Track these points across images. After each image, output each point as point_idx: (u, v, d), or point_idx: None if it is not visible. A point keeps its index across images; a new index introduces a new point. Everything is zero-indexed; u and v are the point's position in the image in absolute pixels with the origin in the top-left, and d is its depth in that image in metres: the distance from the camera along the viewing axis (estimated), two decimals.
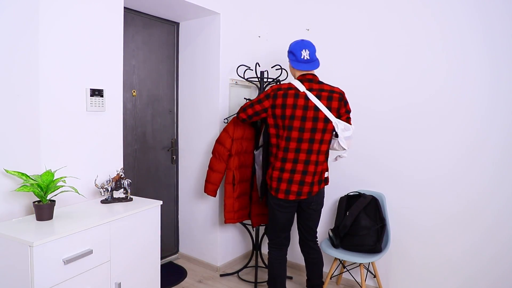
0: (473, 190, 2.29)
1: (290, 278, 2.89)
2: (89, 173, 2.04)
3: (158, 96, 3.04)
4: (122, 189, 2.06)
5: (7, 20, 1.64)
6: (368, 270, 2.61)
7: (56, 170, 1.78)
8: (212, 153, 2.76)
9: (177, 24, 3.13)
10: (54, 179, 1.69)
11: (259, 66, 2.86)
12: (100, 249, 1.69)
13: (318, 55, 2.20)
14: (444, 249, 2.41)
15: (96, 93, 2.03)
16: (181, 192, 3.25)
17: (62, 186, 1.72)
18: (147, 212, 1.97)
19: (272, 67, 2.89)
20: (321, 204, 2.27)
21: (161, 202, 2.07)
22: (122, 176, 2.05)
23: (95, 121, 2.06)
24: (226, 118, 2.92)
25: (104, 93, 2.08)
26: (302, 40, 2.15)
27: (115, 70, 2.16)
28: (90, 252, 1.62)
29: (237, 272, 2.98)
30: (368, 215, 2.44)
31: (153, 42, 2.96)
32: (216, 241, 3.04)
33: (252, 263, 2.96)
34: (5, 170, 1.63)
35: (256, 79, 2.85)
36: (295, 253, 2.95)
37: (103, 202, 2.00)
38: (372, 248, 2.36)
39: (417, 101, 2.45)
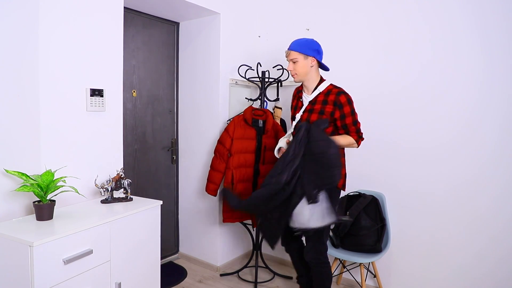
0: (473, 190, 2.29)
1: (290, 278, 2.90)
2: (89, 173, 2.04)
3: (158, 96, 3.04)
4: (122, 189, 2.05)
5: (7, 20, 1.64)
6: (368, 270, 2.61)
7: (56, 170, 1.77)
8: (214, 152, 2.77)
9: (177, 24, 3.13)
10: (54, 179, 1.69)
11: (261, 66, 2.86)
12: (100, 249, 1.69)
13: None
14: (444, 249, 2.41)
15: (96, 93, 2.03)
16: (181, 192, 3.25)
17: (62, 186, 1.72)
18: (147, 212, 1.97)
19: (273, 67, 2.89)
20: None
21: (161, 202, 2.07)
22: (122, 176, 2.05)
23: (95, 121, 2.06)
24: (229, 119, 2.92)
25: (104, 93, 2.08)
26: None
27: (115, 70, 2.16)
28: (90, 252, 1.62)
29: (237, 272, 2.98)
30: (368, 215, 2.44)
31: (153, 42, 2.96)
32: (216, 241, 3.04)
33: (252, 263, 2.96)
34: (5, 170, 1.63)
35: (257, 79, 2.86)
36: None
37: (103, 202, 2.00)
38: (372, 248, 2.36)
39: (418, 101, 2.44)
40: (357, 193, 2.59)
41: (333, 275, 2.70)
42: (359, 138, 2.10)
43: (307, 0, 2.93)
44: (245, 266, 3.01)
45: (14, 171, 1.63)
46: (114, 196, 2.03)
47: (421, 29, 2.41)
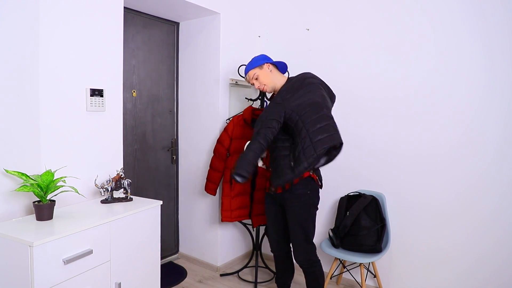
0: (473, 190, 2.29)
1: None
2: (89, 173, 2.04)
3: (158, 96, 3.04)
4: (122, 189, 2.05)
5: (8, 20, 1.64)
6: (368, 270, 2.61)
7: (56, 170, 1.77)
8: (213, 152, 2.77)
9: (177, 24, 3.13)
10: (54, 179, 1.69)
11: None
12: (100, 249, 1.69)
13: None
14: (444, 250, 2.41)
15: (96, 93, 2.03)
16: (181, 192, 3.25)
17: (62, 186, 1.72)
18: (147, 212, 1.97)
19: None
20: None
21: (161, 202, 2.07)
22: (122, 176, 2.05)
23: (95, 121, 2.06)
24: (228, 119, 2.92)
25: (104, 93, 2.08)
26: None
27: (115, 70, 2.16)
28: (90, 252, 1.62)
29: (237, 272, 2.98)
30: (368, 215, 2.44)
31: (153, 42, 2.96)
32: (216, 241, 3.04)
33: (252, 263, 2.96)
34: (5, 170, 1.63)
35: None
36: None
37: (103, 202, 2.00)
38: (372, 248, 2.36)
39: (420, 103, 2.44)
40: (357, 193, 2.59)
41: (333, 275, 2.72)
42: None
43: (307, 0, 2.93)
44: (245, 266, 3.01)
45: (14, 171, 1.63)
46: (114, 196, 2.03)
47: (424, 33, 2.40)
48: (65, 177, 1.74)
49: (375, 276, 2.61)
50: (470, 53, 2.25)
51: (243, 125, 2.71)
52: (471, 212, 2.31)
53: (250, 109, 2.73)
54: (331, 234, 2.53)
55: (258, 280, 2.80)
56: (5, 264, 1.49)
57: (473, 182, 2.29)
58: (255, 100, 2.89)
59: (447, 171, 2.37)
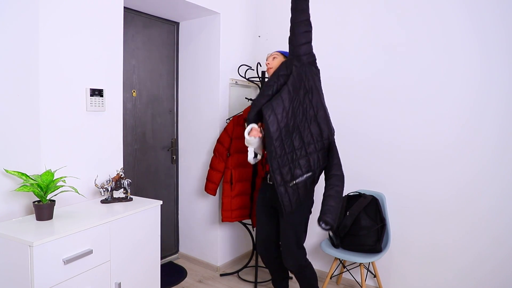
0: (472, 190, 2.29)
1: (291, 278, 2.89)
2: (89, 173, 2.04)
3: (158, 96, 3.04)
4: (122, 189, 2.05)
5: (7, 20, 1.64)
6: (368, 270, 2.61)
7: (56, 170, 1.77)
8: (213, 152, 2.77)
9: (177, 24, 3.13)
10: (54, 179, 1.69)
11: (261, 66, 2.86)
12: (100, 249, 1.69)
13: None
14: (444, 249, 2.41)
15: (96, 93, 2.03)
16: (181, 192, 3.25)
17: (62, 186, 1.72)
18: (147, 212, 1.97)
19: None
20: None
21: (161, 202, 2.07)
22: (122, 176, 2.05)
23: (95, 121, 2.06)
24: (228, 118, 2.92)
25: (104, 93, 2.08)
26: None
27: (115, 70, 2.16)
28: (90, 252, 1.62)
29: (237, 272, 2.98)
30: (368, 215, 2.44)
31: (153, 42, 2.96)
32: (216, 241, 3.04)
33: (252, 263, 2.96)
34: (5, 170, 1.63)
35: (257, 79, 2.85)
36: None
37: (103, 202, 2.00)
38: (372, 248, 2.36)
39: (418, 102, 2.44)
40: (357, 193, 2.59)
41: (333, 275, 2.72)
42: None
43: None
44: (245, 266, 3.01)
45: (14, 171, 1.63)
46: (114, 196, 2.03)
47: (418, 30, 2.41)
48: (65, 177, 1.74)
49: (375, 276, 2.61)
50: (466, 51, 2.26)
51: (243, 125, 2.71)
52: (470, 211, 2.31)
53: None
54: (331, 234, 2.53)
55: (258, 280, 2.80)
56: (5, 264, 1.49)
57: (472, 181, 2.29)
58: None
59: (447, 171, 2.37)
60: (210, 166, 2.79)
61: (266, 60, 2.20)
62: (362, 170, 2.68)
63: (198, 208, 3.14)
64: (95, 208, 1.91)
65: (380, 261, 2.62)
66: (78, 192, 1.77)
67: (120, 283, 1.80)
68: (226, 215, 2.69)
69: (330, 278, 2.61)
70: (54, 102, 1.85)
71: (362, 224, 2.41)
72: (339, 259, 2.52)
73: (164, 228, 2.98)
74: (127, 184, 2.06)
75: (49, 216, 1.66)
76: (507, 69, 2.15)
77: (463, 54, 2.27)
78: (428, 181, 2.44)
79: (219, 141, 2.75)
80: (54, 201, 1.69)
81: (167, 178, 3.18)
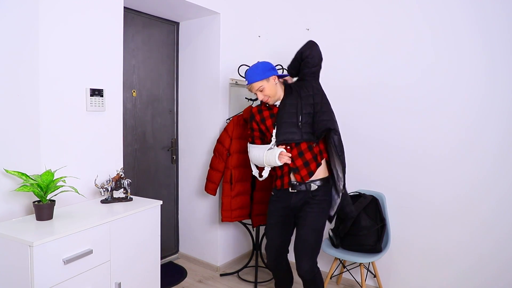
0: (475, 193, 2.29)
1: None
2: (89, 173, 2.04)
3: (158, 96, 3.04)
4: (122, 189, 2.05)
5: (8, 21, 1.64)
6: (368, 270, 2.61)
7: (56, 170, 1.77)
8: (213, 152, 2.77)
9: (177, 24, 3.13)
10: (54, 179, 1.69)
11: None
12: (100, 249, 1.69)
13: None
14: (444, 250, 2.40)
15: (96, 93, 2.03)
16: (181, 192, 3.25)
17: (62, 186, 1.72)
18: (147, 212, 1.97)
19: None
20: None
21: (161, 202, 2.07)
22: (122, 176, 2.05)
23: (95, 121, 2.06)
24: (228, 118, 2.92)
25: (104, 93, 2.08)
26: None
27: (115, 70, 2.16)
28: (90, 252, 1.62)
29: (237, 272, 2.98)
30: (368, 215, 2.44)
31: (153, 42, 2.96)
32: (216, 241, 3.04)
33: (252, 263, 2.96)
34: (5, 170, 1.63)
35: None
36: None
37: (103, 202, 2.00)
38: (372, 248, 2.36)
39: (419, 102, 2.44)
40: (357, 193, 2.59)
41: (333, 275, 2.72)
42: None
43: (307, 0, 2.93)
44: (245, 266, 3.01)
45: (14, 171, 1.63)
46: (114, 196, 2.03)
47: (422, 32, 2.40)
48: (65, 177, 1.74)
49: (375, 276, 2.61)
50: (470, 53, 2.25)
51: (243, 125, 2.71)
52: (471, 213, 2.30)
53: (250, 109, 2.73)
54: (331, 234, 2.53)
55: (258, 280, 2.80)
56: (5, 264, 1.49)
57: (474, 183, 2.29)
58: (255, 100, 2.89)
59: (447, 171, 2.37)
60: (210, 166, 2.79)
61: (255, 95, 2.05)
62: (362, 170, 2.68)
63: (198, 208, 3.13)
64: (95, 208, 1.91)
65: (380, 261, 2.62)
66: (78, 192, 1.77)
67: (120, 283, 1.79)
68: (226, 215, 2.69)
69: (330, 278, 2.61)
70: (54, 102, 1.85)
71: (362, 224, 2.41)
72: (339, 259, 2.52)
73: (164, 228, 2.98)
74: (127, 184, 2.06)
75: (49, 216, 1.66)
76: None
77: (468, 56, 2.26)
78: (429, 182, 2.43)
79: (219, 141, 2.75)
80: (54, 201, 1.69)
81: (167, 178, 3.18)
